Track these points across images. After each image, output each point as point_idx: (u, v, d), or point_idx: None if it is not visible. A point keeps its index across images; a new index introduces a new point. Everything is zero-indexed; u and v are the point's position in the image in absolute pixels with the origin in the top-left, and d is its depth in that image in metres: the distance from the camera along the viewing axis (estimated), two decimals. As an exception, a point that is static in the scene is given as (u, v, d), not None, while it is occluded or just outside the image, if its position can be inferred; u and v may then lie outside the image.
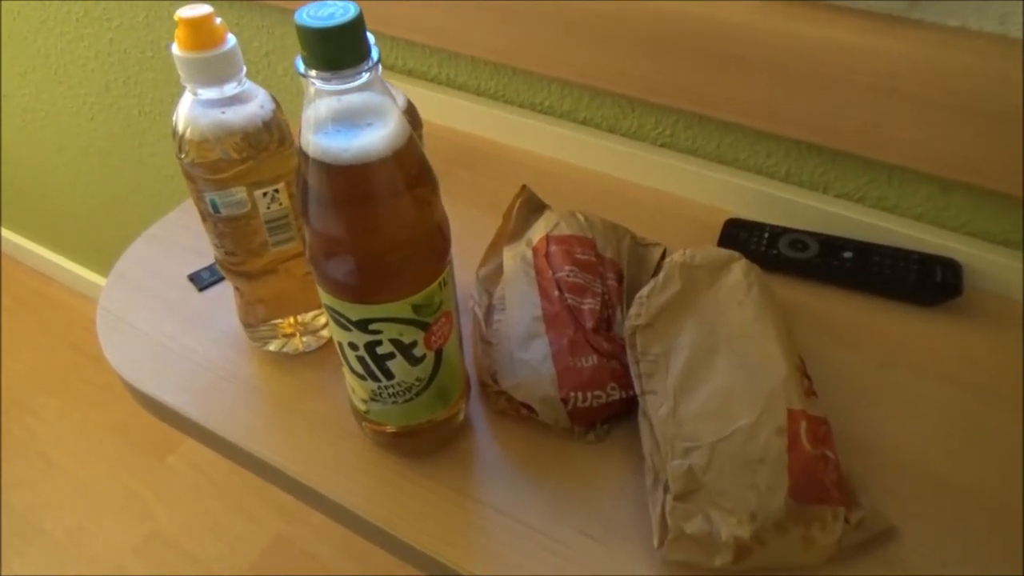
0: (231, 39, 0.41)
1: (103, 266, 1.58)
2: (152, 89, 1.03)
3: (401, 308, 0.37)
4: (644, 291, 0.48)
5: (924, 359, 0.52)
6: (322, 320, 0.53)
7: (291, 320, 0.53)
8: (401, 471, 0.46)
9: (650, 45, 0.59)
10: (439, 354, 0.41)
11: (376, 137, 0.33)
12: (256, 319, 0.53)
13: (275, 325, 0.53)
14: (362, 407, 0.44)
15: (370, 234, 0.35)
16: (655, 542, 0.41)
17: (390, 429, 0.45)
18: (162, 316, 0.57)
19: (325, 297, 0.39)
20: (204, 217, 0.46)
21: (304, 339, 0.53)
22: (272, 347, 0.53)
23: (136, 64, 1.01)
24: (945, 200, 0.57)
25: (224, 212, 0.44)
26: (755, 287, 0.47)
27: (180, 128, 0.42)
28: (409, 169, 0.35)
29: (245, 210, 0.45)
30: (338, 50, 0.31)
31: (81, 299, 1.69)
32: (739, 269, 0.48)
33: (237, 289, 0.52)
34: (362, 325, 0.38)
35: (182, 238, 0.63)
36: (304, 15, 0.30)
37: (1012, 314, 0.54)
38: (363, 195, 0.34)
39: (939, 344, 0.53)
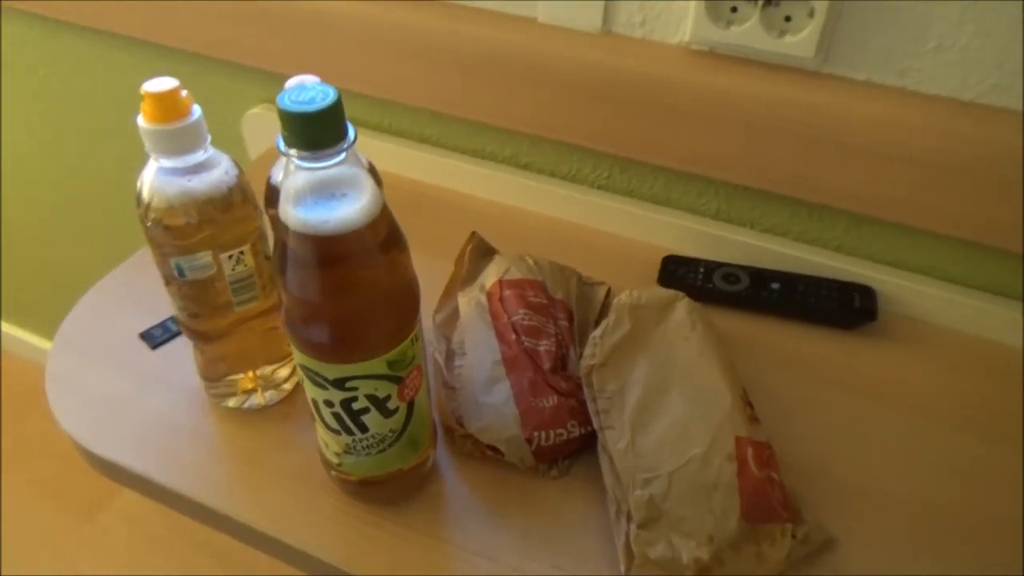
0: (196, 110, 0.42)
1: (18, 317, 1.51)
2: (90, 149, 1.00)
3: (377, 365, 0.39)
4: (597, 332, 0.51)
5: (846, 378, 0.57)
6: (283, 373, 0.54)
7: (251, 375, 0.53)
8: (374, 520, 0.47)
9: (586, 97, 0.63)
10: (411, 405, 0.43)
11: (353, 209, 0.35)
12: (217, 375, 0.53)
13: (234, 381, 0.53)
14: (335, 460, 0.46)
15: (349, 298, 0.37)
16: (622, 568, 0.44)
17: (356, 478, 0.46)
18: (115, 378, 0.56)
19: (301, 358, 0.40)
20: (168, 281, 0.46)
21: (266, 394, 0.54)
22: (231, 403, 0.54)
23: (72, 122, 0.99)
24: (859, 232, 0.63)
25: (190, 276, 0.45)
26: (699, 324, 0.51)
27: (145, 196, 0.43)
28: (382, 234, 0.37)
29: (210, 273, 0.45)
30: (318, 132, 0.33)
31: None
32: (683, 308, 0.52)
33: (198, 347, 0.52)
34: (339, 383, 0.39)
35: (128, 295, 0.62)
36: (286, 99, 0.32)
37: (923, 334, 0.60)
38: (341, 263, 0.36)
39: (859, 364, 0.58)
